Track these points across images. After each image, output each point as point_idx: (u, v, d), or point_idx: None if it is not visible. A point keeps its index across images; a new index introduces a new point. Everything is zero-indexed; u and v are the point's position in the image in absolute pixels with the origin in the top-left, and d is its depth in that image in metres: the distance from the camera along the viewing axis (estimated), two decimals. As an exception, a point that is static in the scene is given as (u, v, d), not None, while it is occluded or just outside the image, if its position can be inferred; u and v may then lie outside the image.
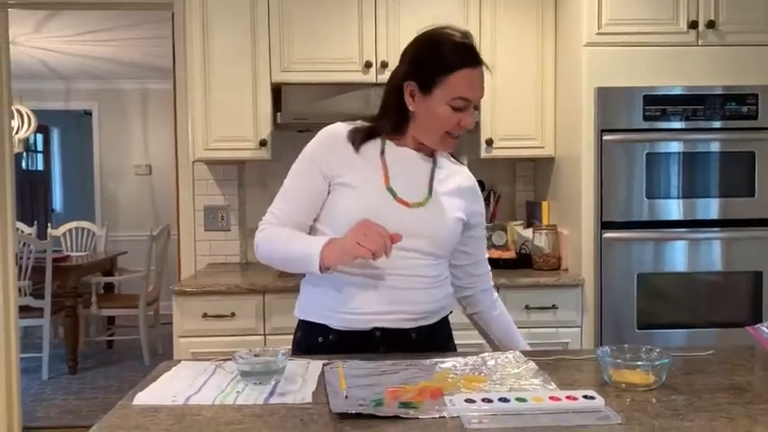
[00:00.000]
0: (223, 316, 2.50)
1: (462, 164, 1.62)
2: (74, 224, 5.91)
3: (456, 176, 1.56)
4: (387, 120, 1.49)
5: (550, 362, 1.34)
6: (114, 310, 4.86)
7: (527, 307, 2.58)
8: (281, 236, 1.46)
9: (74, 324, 4.55)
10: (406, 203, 1.44)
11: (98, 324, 5.28)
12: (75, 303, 4.56)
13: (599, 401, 1.07)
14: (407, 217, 1.44)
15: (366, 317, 1.44)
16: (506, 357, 1.35)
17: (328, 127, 1.51)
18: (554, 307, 2.58)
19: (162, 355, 4.79)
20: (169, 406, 1.11)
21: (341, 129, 1.50)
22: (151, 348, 4.87)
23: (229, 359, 1.29)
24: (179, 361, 1.39)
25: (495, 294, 1.68)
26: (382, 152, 1.49)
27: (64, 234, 5.85)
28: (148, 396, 1.16)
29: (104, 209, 6.82)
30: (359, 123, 1.51)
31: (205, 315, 2.50)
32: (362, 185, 1.45)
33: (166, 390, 1.19)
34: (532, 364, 1.29)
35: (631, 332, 2.56)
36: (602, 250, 2.56)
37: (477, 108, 1.48)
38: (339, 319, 1.45)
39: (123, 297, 5.14)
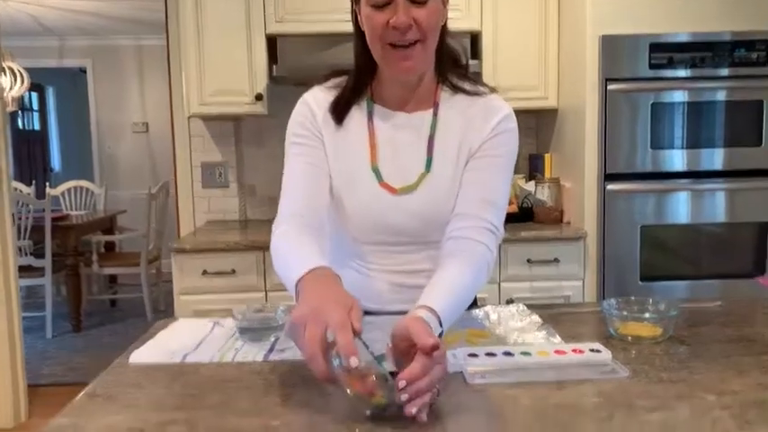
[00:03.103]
0: (223, 273, 2.48)
1: (485, 92, 1.27)
2: (72, 183, 5.87)
3: (464, 116, 1.25)
4: (356, 62, 1.24)
5: (554, 315, 1.31)
6: (116, 268, 4.86)
7: (529, 261, 2.56)
8: (279, 253, 1.15)
9: (76, 283, 4.55)
10: (391, 189, 1.21)
11: (100, 283, 5.29)
12: (77, 262, 4.55)
13: (606, 355, 1.05)
14: (394, 205, 1.22)
15: (385, 316, 1.33)
16: (509, 311, 1.32)
17: (303, 97, 1.28)
18: (556, 260, 2.56)
19: (164, 313, 4.81)
20: (166, 364, 1.09)
21: (320, 98, 1.27)
22: (154, 306, 4.88)
23: (228, 316, 1.27)
24: (177, 318, 1.37)
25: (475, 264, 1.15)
26: (370, 116, 1.26)
27: (62, 193, 5.81)
28: (145, 354, 1.14)
29: (103, 167, 6.77)
30: (338, 81, 1.28)
31: (205, 272, 2.48)
32: (347, 172, 1.24)
33: (164, 347, 1.17)
34: (536, 318, 1.27)
35: (634, 285, 2.54)
36: (606, 202, 2.53)
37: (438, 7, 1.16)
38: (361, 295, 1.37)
39: (124, 255, 5.13)
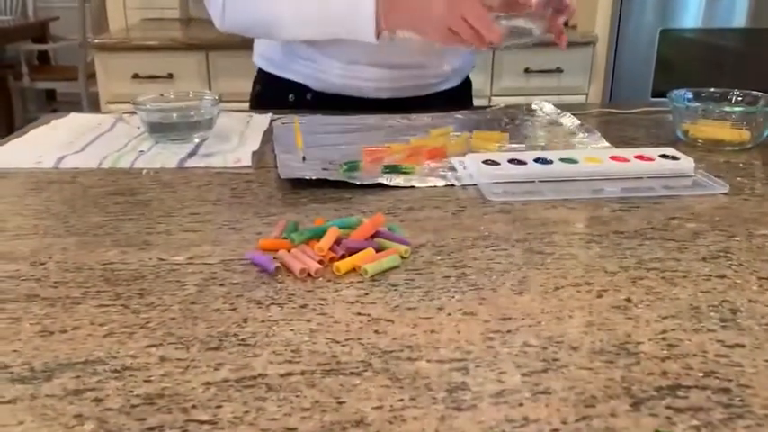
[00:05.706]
0: (158, 77, 2.04)
1: None
2: (-7, -16, 5.10)
3: None
4: None
5: (587, 117, 0.96)
6: (51, 82, 4.32)
7: (527, 70, 2.17)
8: None
9: (5, 97, 4.05)
10: None
11: (38, 100, 4.76)
12: (4, 74, 4.02)
13: (687, 162, 0.71)
14: None
15: (366, 83, 0.98)
16: (531, 109, 0.97)
17: None
18: (558, 70, 2.17)
19: (111, 134, 4.38)
20: (29, 170, 0.72)
21: None
22: (99, 126, 4.43)
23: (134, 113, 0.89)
24: (68, 113, 0.98)
25: None
26: None
27: (-16, -4, 5.07)
28: (3, 155, 0.76)
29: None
30: None
31: (136, 76, 2.04)
32: None
33: (33, 147, 0.79)
34: (572, 117, 0.92)
35: (645, 101, 2.19)
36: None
37: None
38: (325, 82, 0.99)
39: (60, 69, 4.57)
